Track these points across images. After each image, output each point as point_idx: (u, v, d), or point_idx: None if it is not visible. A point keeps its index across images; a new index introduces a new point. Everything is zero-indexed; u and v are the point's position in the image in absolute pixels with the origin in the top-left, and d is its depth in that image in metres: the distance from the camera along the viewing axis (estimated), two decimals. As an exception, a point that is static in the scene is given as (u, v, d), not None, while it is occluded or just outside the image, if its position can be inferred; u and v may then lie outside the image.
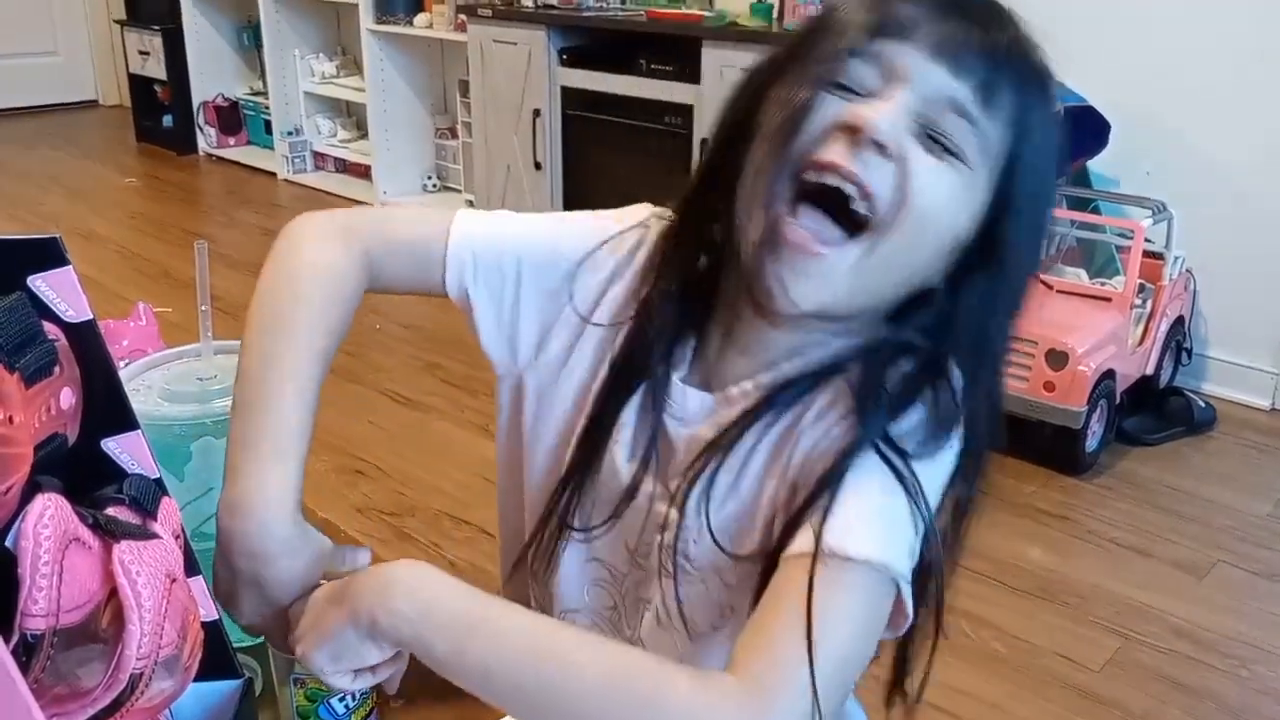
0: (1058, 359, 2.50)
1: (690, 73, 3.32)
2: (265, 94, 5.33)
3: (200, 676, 0.68)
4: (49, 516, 0.50)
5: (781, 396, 0.70)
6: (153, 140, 5.82)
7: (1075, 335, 2.52)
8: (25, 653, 0.49)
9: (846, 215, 0.65)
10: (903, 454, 0.65)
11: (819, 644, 0.58)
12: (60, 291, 0.59)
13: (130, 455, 0.63)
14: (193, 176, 5.41)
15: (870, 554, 0.61)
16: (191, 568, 0.66)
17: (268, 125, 5.36)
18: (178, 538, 0.63)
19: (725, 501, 0.71)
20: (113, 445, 0.63)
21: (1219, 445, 2.75)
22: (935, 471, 0.66)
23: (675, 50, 3.37)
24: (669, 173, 3.47)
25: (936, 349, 0.68)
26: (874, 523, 0.63)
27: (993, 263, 0.67)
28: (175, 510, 0.63)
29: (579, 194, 3.82)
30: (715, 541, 0.71)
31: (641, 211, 0.82)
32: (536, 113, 3.78)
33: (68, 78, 6.70)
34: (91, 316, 0.60)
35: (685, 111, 3.37)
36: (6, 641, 0.48)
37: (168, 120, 5.71)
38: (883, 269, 0.66)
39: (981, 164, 0.65)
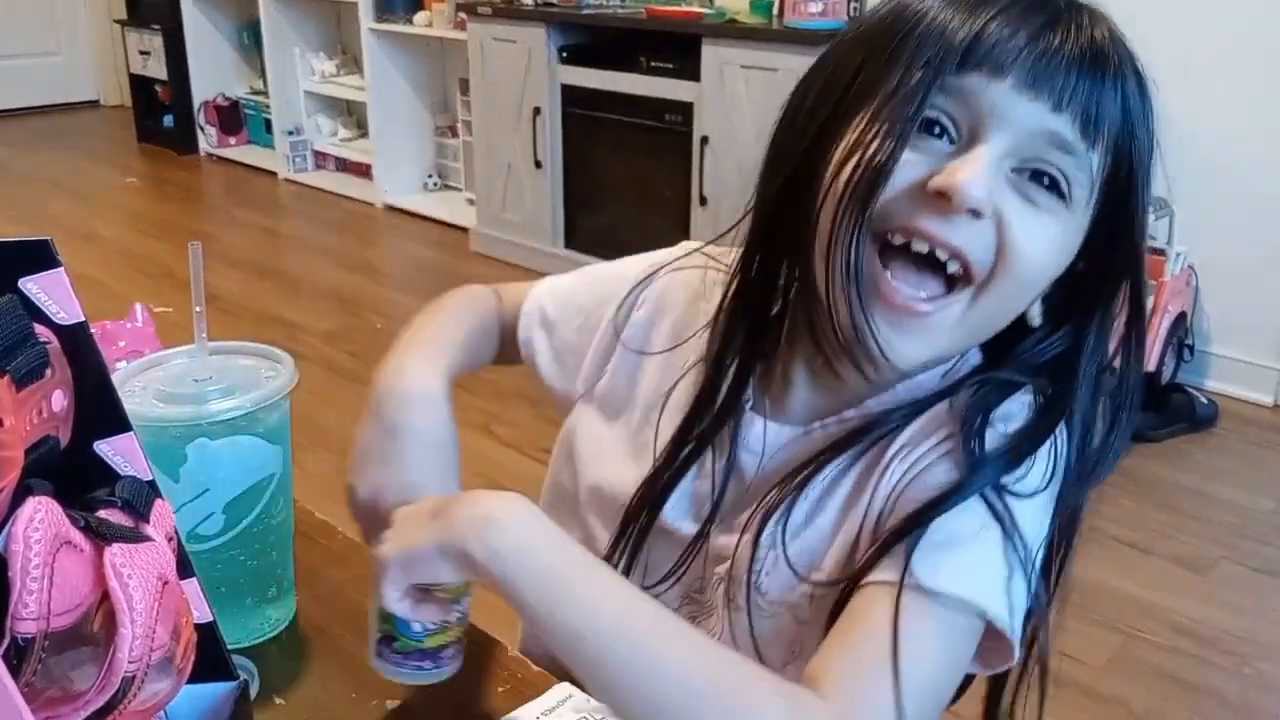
0: None
1: (690, 70, 3.32)
2: (266, 93, 5.34)
3: (194, 678, 0.69)
4: (39, 520, 0.49)
5: (869, 433, 0.68)
6: (154, 140, 5.83)
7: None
8: (16, 656, 0.49)
9: (942, 269, 0.62)
10: (999, 489, 0.63)
11: (906, 674, 0.57)
12: (52, 293, 0.59)
13: (123, 457, 0.63)
14: (193, 176, 5.42)
15: (959, 590, 0.60)
16: (185, 570, 0.66)
17: (268, 124, 5.37)
18: (171, 540, 0.62)
19: (801, 531, 0.70)
20: (105, 448, 0.63)
21: (1221, 442, 2.75)
22: (1034, 511, 0.64)
23: (675, 47, 3.37)
24: (670, 170, 3.47)
25: (1056, 387, 0.65)
26: (965, 558, 0.61)
27: (1105, 288, 0.65)
28: (168, 512, 0.63)
29: (580, 192, 3.82)
30: (793, 571, 0.69)
31: (688, 247, 0.83)
32: (537, 111, 3.78)
33: (69, 78, 6.71)
34: (83, 318, 0.60)
35: (685, 109, 3.37)
36: (-3, 645, 0.48)
37: (168, 120, 5.73)
38: (987, 318, 0.64)
39: (1086, 195, 0.62)
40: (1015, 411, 0.66)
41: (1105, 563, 2.22)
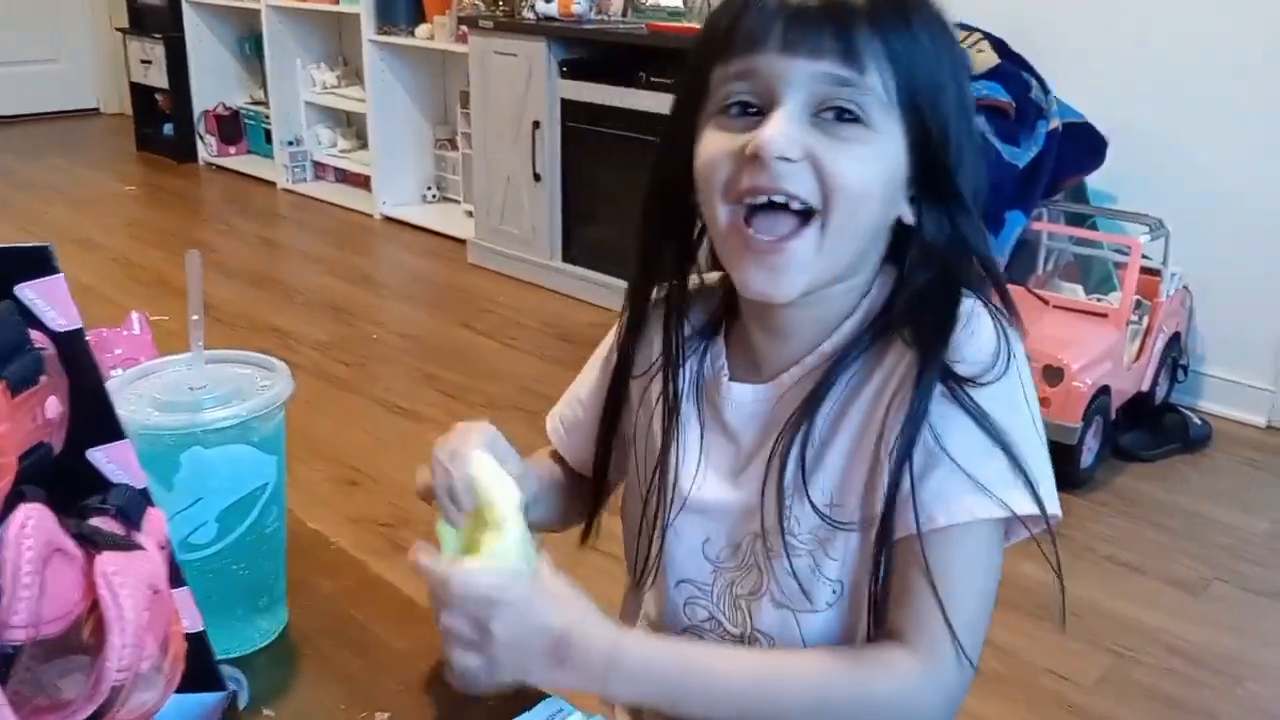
0: (1053, 374, 2.50)
1: (689, 86, 3.32)
2: (266, 103, 5.35)
3: (183, 688, 0.69)
4: (31, 526, 0.49)
5: (838, 367, 0.76)
6: (153, 149, 5.84)
7: (1071, 351, 2.52)
8: (3, 664, 0.49)
9: (790, 211, 0.72)
10: (960, 382, 0.70)
11: (956, 609, 0.69)
12: (50, 300, 0.59)
13: (117, 465, 0.63)
14: (192, 185, 5.43)
15: (963, 515, 0.69)
16: (176, 579, 0.65)
17: (268, 135, 5.38)
18: (163, 549, 0.62)
19: (814, 473, 0.76)
20: (99, 455, 0.63)
21: (1215, 462, 2.75)
22: (1003, 394, 0.70)
23: (676, 63, 3.37)
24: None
25: (945, 270, 0.74)
26: (962, 479, 0.69)
27: (946, 189, 0.73)
28: (161, 521, 0.63)
29: (578, 206, 3.83)
30: (814, 509, 0.75)
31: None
32: (536, 124, 3.79)
33: (70, 86, 6.72)
34: (80, 325, 0.60)
35: (684, 124, 3.37)
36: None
37: (168, 129, 5.73)
38: (843, 238, 0.72)
39: (883, 111, 0.71)
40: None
41: (1097, 582, 2.22)
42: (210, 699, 0.69)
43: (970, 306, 0.74)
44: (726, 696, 0.70)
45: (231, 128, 5.67)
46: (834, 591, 0.76)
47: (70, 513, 0.57)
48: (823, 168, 0.70)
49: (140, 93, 5.85)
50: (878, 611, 0.74)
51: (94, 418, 0.62)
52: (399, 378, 3.11)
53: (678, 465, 0.83)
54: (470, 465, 0.76)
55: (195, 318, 0.81)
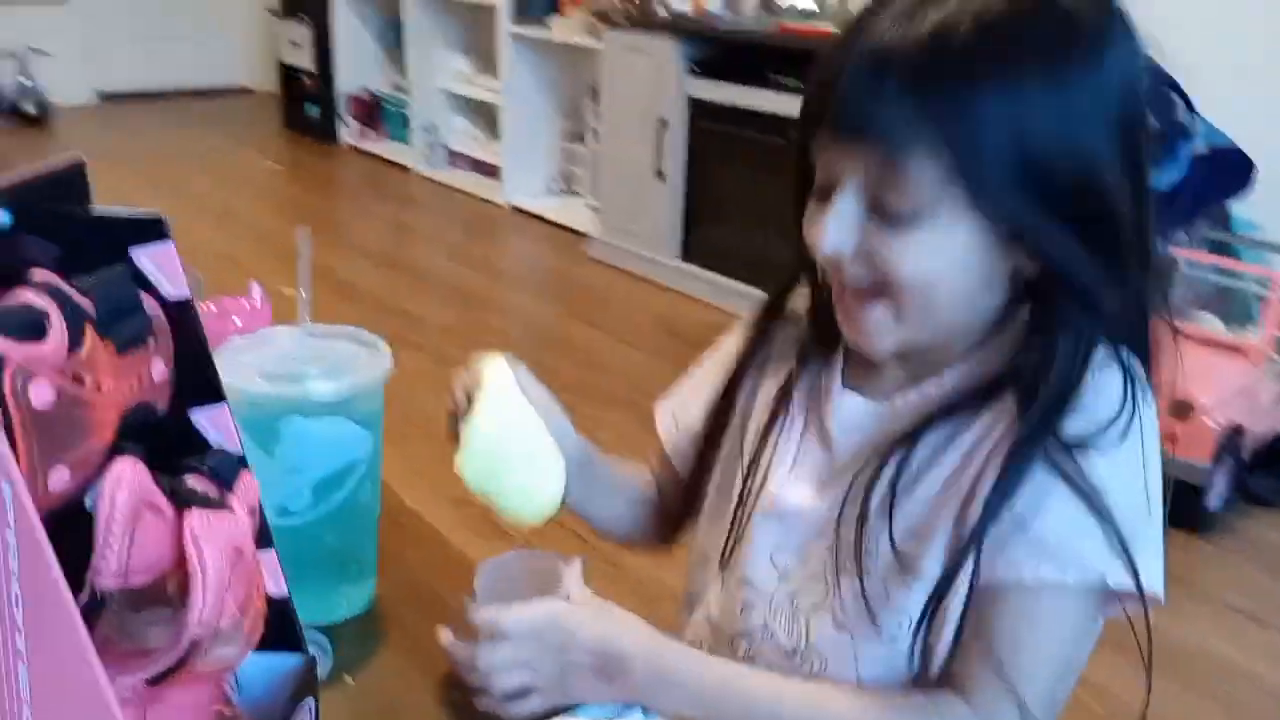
0: (1182, 409, 2.39)
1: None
2: (406, 90, 5.49)
3: (266, 648, 0.71)
4: (126, 480, 0.52)
5: (954, 407, 0.72)
6: (298, 129, 6.06)
7: (1203, 386, 2.40)
8: (94, 610, 0.51)
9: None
10: (1068, 449, 0.66)
11: (1026, 673, 0.66)
12: (162, 267, 0.61)
13: (216, 428, 0.66)
14: (333, 166, 5.61)
15: (1051, 576, 0.65)
16: (264, 541, 0.68)
17: (406, 121, 5.52)
18: (253, 513, 0.64)
19: (902, 504, 0.73)
20: (201, 417, 0.65)
21: (1351, 512, 2.59)
22: (1116, 464, 0.67)
23: (806, 64, 3.34)
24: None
25: (1078, 335, 0.69)
26: (1042, 544, 0.66)
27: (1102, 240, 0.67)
28: (254, 485, 0.65)
29: (701, 206, 3.83)
30: (892, 543, 0.72)
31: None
32: (664, 122, 3.80)
33: (223, 64, 7.03)
34: (189, 294, 0.62)
35: (813, 129, 3.33)
36: (76, 598, 0.50)
37: (313, 110, 5.94)
38: (923, 313, 0.70)
39: (937, 195, 0.65)
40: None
41: (1213, 628, 2.11)
42: (290, 661, 0.71)
43: (1100, 358, 0.69)
44: (775, 717, 0.70)
45: (372, 112, 5.84)
46: (900, 625, 0.72)
47: (169, 470, 0.60)
48: (875, 262, 0.68)
49: (288, 74, 6.07)
50: (927, 657, 0.71)
51: (198, 382, 0.64)
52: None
53: (770, 464, 0.81)
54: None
55: (303, 292, 0.84)
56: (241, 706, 0.68)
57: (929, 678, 0.71)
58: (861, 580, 0.73)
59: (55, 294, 0.52)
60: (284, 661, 0.71)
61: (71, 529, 0.51)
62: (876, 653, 0.73)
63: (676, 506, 0.91)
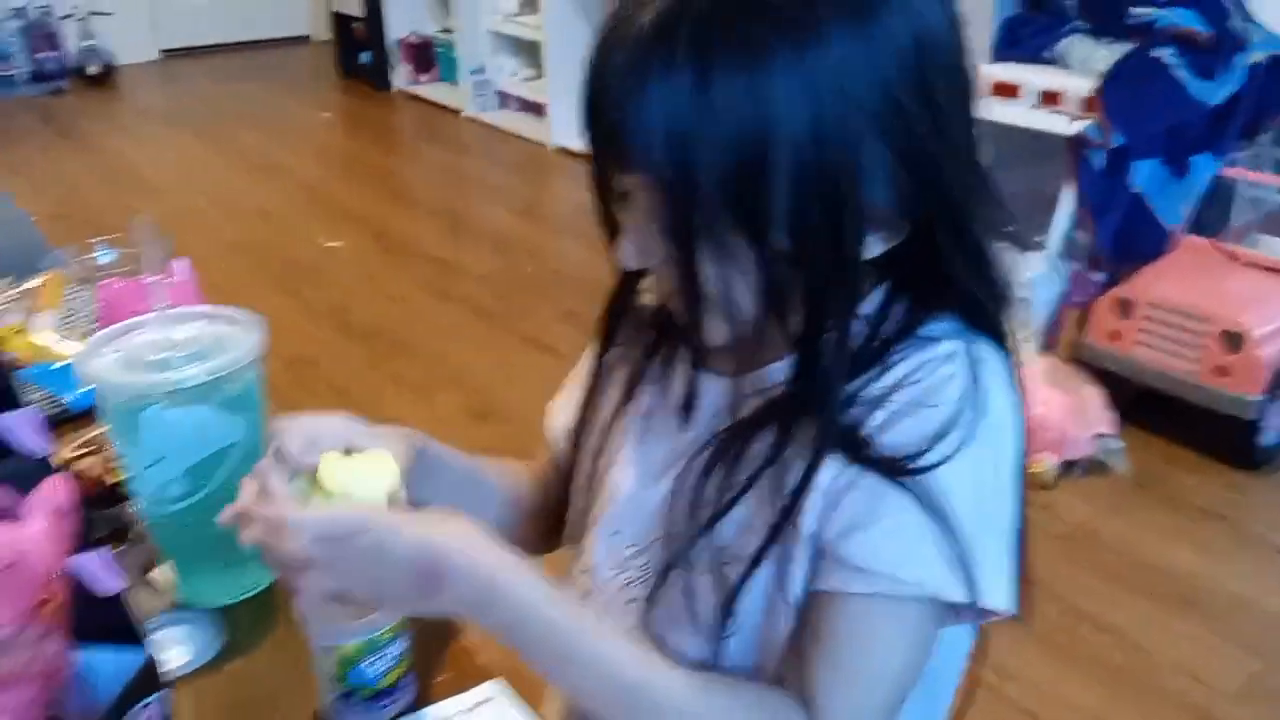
0: (1233, 341, 2.25)
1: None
2: (454, 31, 5.44)
3: (107, 644, 0.70)
4: None
5: (794, 406, 0.65)
6: (352, 76, 6.06)
7: (1254, 315, 2.26)
8: None
9: None
10: (909, 455, 0.61)
11: (863, 686, 0.63)
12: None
13: (18, 433, 0.64)
14: (385, 112, 5.61)
15: (882, 588, 0.60)
16: (86, 543, 0.66)
17: (456, 63, 5.48)
18: (63, 516, 0.63)
19: (727, 498, 0.67)
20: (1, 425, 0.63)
21: None
22: (970, 465, 0.61)
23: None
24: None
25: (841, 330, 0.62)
26: (884, 551, 0.61)
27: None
28: (60, 488, 0.63)
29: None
30: (712, 538, 0.67)
31: None
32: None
33: (282, 14, 7.05)
34: (-33, 295, 0.60)
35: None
36: None
37: (366, 57, 5.93)
38: (724, 319, 0.64)
39: (645, 207, 0.62)
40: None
41: (1258, 576, 2.01)
42: (128, 657, 0.69)
43: (944, 354, 0.63)
44: (604, 676, 0.63)
45: (423, 55, 5.80)
46: (723, 623, 0.67)
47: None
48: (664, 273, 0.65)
49: (340, 21, 6.06)
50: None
51: (-7, 387, 0.63)
52: (545, 314, 3.13)
53: (612, 451, 0.77)
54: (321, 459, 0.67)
55: (156, 278, 0.81)
56: (75, 707, 0.67)
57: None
58: (688, 573, 0.68)
59: None
60: (120, 659, 0.70)
61: None
62: (702, 648, 0.68)
63: (560, 507, 0.85)
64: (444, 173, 4.71)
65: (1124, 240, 2.47)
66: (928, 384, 0.62)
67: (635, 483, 0.75)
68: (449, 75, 5.67)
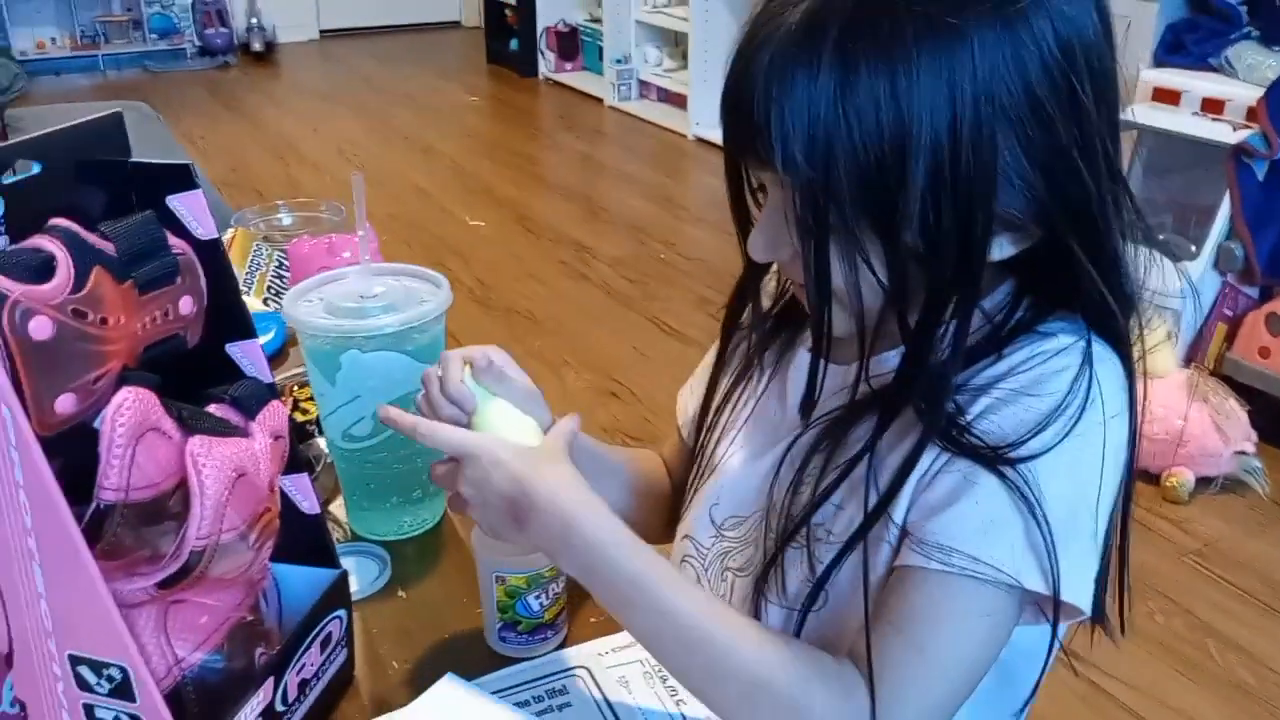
0: (1275, 323, 2.16)
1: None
2: (602, 21, 5.54)
3: (303, 562, 0.78)
4: (126, 406, 0.58)
5: (905, 393, 0.67)
6: (500, 62, 6.23)
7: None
8: (98, 519, 0.58)
9: None
10: (1008, 444, 0.61)
11: (937, 667, 0.61)
12: (193, 211, 0.67)
13: (249, 360, 0.72)
14: (530, 99, 5.75)
15: (962, 566, 0.60)
16: (295, 466, 0.74)
17: (601, 52, 5.58)
18: (279, 439, 0.70)
19: (830, 477, 0.69)
20: (235, 350, 0.71)
21: None
22: (1067, 459, 0.61)
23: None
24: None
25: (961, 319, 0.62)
26: (959, 531, 0.61)
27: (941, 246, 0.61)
28: (280, 412, 0.71)
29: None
30: (810, 515, 0.70)
31: None
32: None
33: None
34: (217, 236, 0.68)
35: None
36: (85, 507, 0.57)
37: (514, 43, 6.09)
38: (851, 311, 0.65)
39: (793, 207, 0.62)
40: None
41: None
42: (323, 574, 0.77)
43: (1060, 346, 0.63)
44: (670, 625, 0.64)
45: (570, 44, 5.93)
46: (813, 599, 0.68)
47: (193, 399, 0.66)
48: (810, 266, 0.64)
49: (492, 7, 6.23)
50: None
51: (230, 317, 0.71)
52: (677, 299, 3.19)
53: (725, 425, 0.80)
54: (475, 392, 0.76)
55: (362, 233, 0.89)
56: (271, 615, 0.74)
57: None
58: (783, 548, 0.70)
59: (68, 237, 0.58)
60: (316, 575, 0.77)
61: (82, 448, 0.58)
62: (785, 620, 0.70)
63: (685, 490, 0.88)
64: (583, 160, 4.81)
65: (1281, 255, 2.39)
66: (1036, 373, 0.62)
67: (740, 458, 0.78)
68: (593, 64, 5.78)
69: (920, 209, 0.58)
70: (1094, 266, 0.62)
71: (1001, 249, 0.62)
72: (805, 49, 0.58)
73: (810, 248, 0.62)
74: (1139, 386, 0.65)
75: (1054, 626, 0.63)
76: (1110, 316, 0.63)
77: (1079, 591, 0.61)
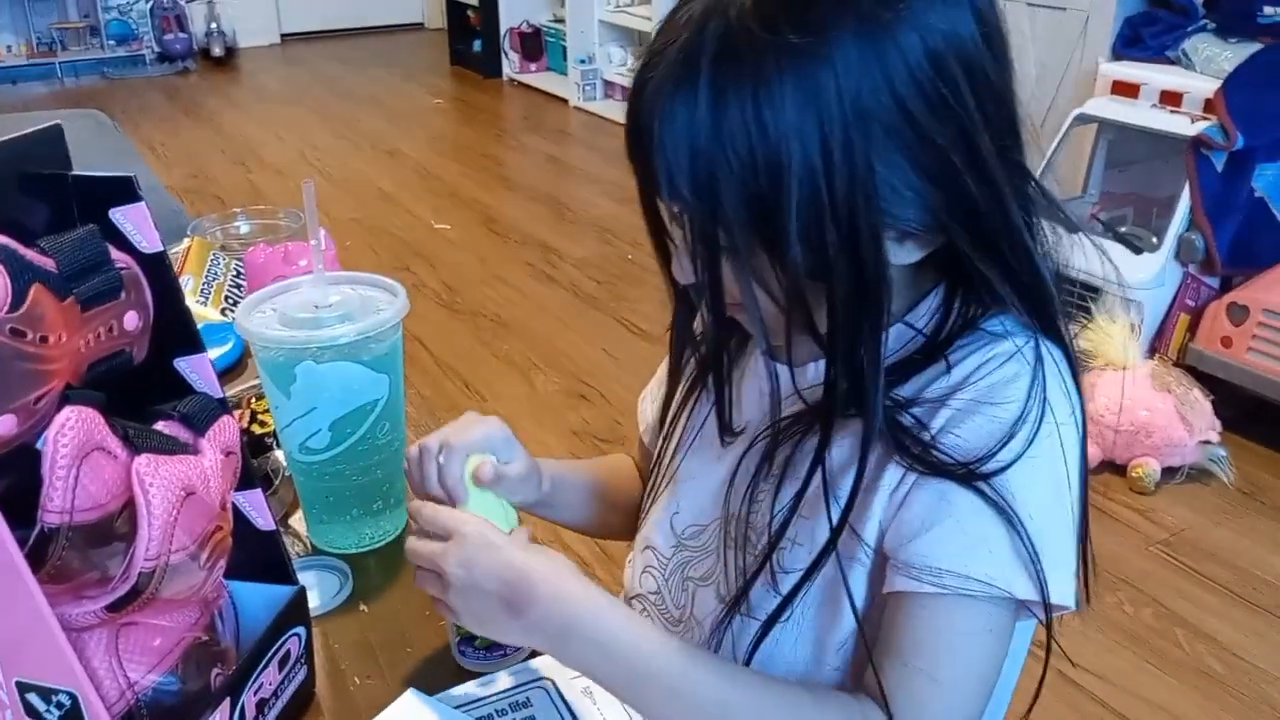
0: (1236, 313, 2.20)
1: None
2: (565, 21, 5.52)
3: (259, 579, 0.77)
4: (69, 426, 0.56)
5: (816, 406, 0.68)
6: (463, 63, 6.19)
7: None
8: (43, 542, 0.57)
9: None
10: (980, 458, 0.62)
11: (948, 686, 0.63)
12: (136, 224, 0.66)
13: (198, 375, 0.70)
14: (494, 100, 5.72)
15: (931, 586, 0.61)
16: (246, 483, 0.72)
17: (565, 52, 5.56)
18: (230, 454, 0.69)
19: (788, 484, 0.69)
20: (184, 365, 0.70)
21: None
22: (1037, 465, 0.62)
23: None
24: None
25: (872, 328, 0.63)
26: (944, 550, 0.62)
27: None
28: (231, 427, 0.69)
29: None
30: (770, 523, 0.70)
31: None
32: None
33: (397, 1, 7.24)
34: (162, 249, 0.67)
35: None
36: (28, 530, 0.56)
37: (477, 45, 6.05)
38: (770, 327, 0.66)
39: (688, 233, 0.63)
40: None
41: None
42: (280, 591, 0.76)
43: (1009, 355, 0.63)
44: (685, 707, 0.64)
45: (533, 45, 5.90)
46: (780, 612, 0.69)
47: (140, 416, 0.65)
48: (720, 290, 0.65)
49: (454, 8, 6.19)
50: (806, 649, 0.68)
51: (178, 331, 0.69)
52: (645, 299, 3.18)
53: (682, 431, 0.80)
54: (469, 488, 0.75)
55: (315, 242, 0.87)
56: (227, 634, 0.73)
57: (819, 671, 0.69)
58: (742, 555, 0.70)
59: (5, 255, 0.56)
60: (273, 592, 0.76)
61: (24, 470, 0.57)
62: (750, 631, 0.70)
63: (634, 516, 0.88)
64: (549, 161, 4.79)
65: (1242, 245, 2.42)
66: (990, 383, 0.63)
67: (697, 465, 0.78)
68: (557, 64, 5.76)
69: (800, 227, 0.59)
70: (1011, 259, 0.63)
71: (909, 254, 0.63)
72: (683, 82, 0.59)
73: (703, 270, 0.63)
74: (1083, 376, 0.67)
75: (1049, 629, 0.64)
76: (1040, 302, 0.64)
77: (1064, 590, 0.63)
